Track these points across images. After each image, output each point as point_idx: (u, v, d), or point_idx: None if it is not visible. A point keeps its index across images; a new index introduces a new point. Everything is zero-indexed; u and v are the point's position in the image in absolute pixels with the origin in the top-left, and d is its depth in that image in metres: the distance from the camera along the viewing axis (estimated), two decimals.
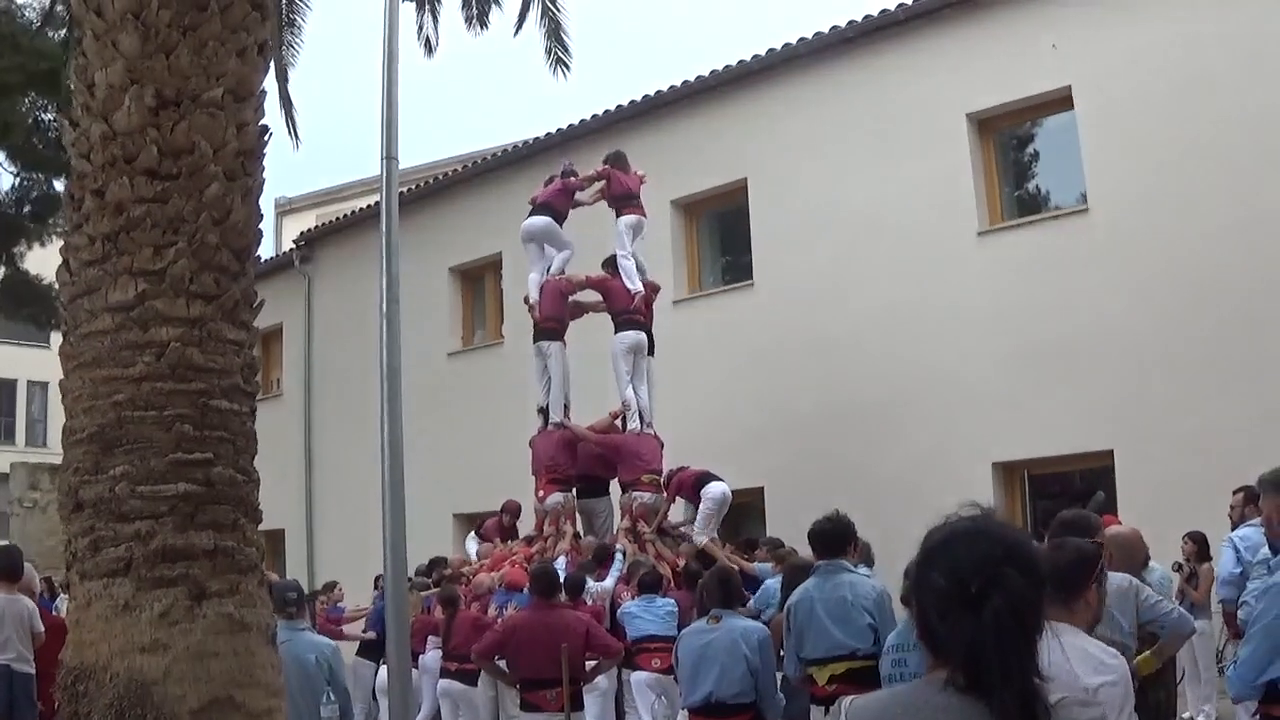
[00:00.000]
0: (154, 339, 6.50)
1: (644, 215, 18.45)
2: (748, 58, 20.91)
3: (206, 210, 6.68)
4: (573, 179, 18.86)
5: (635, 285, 17.81)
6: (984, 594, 2.60)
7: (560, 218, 18.52)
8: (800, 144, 20.18)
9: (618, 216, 18.29)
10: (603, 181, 18.65)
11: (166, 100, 6.67)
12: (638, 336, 17.77)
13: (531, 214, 18.61)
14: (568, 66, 15.13)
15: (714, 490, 16.48)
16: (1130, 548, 8.46)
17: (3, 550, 12.13)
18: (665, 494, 17.39)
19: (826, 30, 19.91)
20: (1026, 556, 2.69)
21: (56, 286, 20.06)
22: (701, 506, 16.39)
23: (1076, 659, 4.58)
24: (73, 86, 7.08)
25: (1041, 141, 19.14)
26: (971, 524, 2.78)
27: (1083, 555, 5.25)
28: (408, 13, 14.95)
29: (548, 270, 18.48)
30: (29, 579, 12.09)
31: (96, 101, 6.73)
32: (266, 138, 7.31)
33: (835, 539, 9.24)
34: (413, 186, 25.76)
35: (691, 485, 16.91)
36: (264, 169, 7.27)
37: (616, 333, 17.80)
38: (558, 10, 14.73)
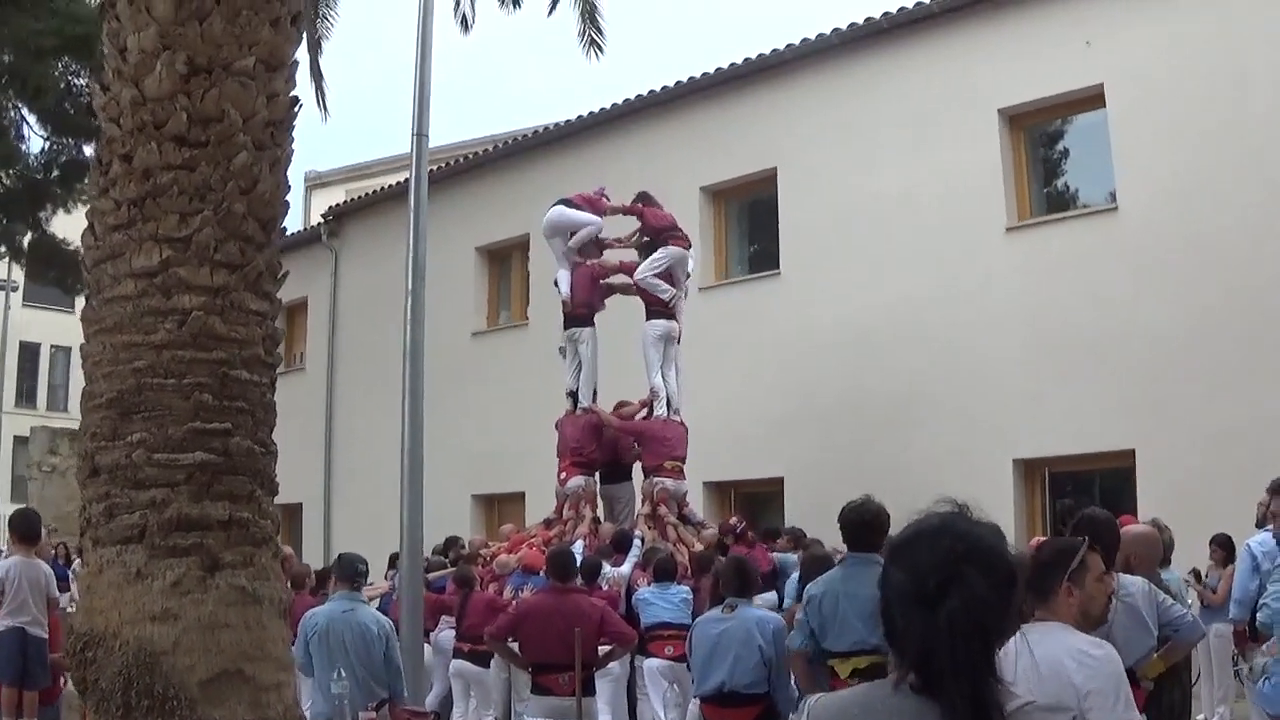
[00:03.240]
0: (176, 306, 6.50)
1: (688, 249, 18.24)
2: (781, 46, 20.80)
3: (234, 179, 6.67)
4: (605, 201, 18.75)
5: (666, 293, 17.70)
6: (941, 592, 2.53)
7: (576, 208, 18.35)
8: (831, 135, 20.09)
9: (656, 247, 18.04)
10: (635, 218, 18.49)
11: (198, 67, 6.66)
12: (669, 325, 17.70)
13: (551, 206, 18.52)
14: (601, 48, 15.04)
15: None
16: (1148, 545, 8.38)
17: (21, 514, 12.14)
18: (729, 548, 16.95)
19: (861, 21, 19.80)
20: (990, 556, 2.61)
21: (82, 253, 20.04)
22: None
23: (1058, 658, 4.56)
24: (105, 50, 7.05)
25: (1072, 139, 19.00)
26: (939, 521, 2.70)
27: (1055, 551, 5.25)
28: None
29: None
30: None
31: (128, 66, 6.71)
32: (296, 109, 7.28)
33: (869, 532, 8.97)
34: (442, 165, 25.70)
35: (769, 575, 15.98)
36: (293, 140, 7.25)
37: (648, 320, 17.72)
38: None
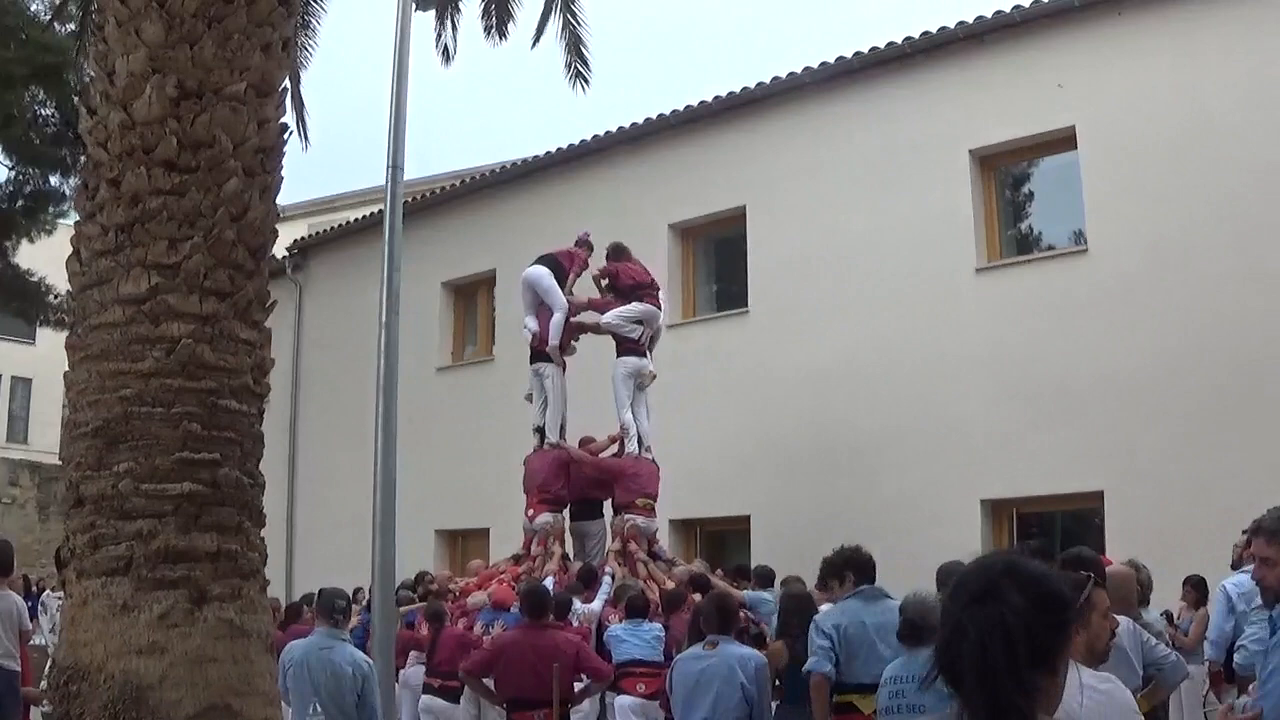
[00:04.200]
0: (165, 334, 6.39)
1: (659, 308, 18.15)
2: (752, 85, 20.83)
3: (224, 206, 6.57)
4: (584, 256, 18.67)
5: (634, 333, 17.65)
6: (977, 601, 2.59)
7: (560, 272, 18.23)
8: (801, 174, 20.09)
9: (630, 299, 17.92)
10: (605, 280, 18.35)
11: (188, 91, 6.57)
12: (640, 362, 17.62)
13: (533, 263, 18.37)
14: (587, 80, 14.96)
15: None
16: (1123, 586, 8.38)
17: None
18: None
19: (832, 61, 19.84)
20: (1031, 577, 2.65)
21: (46, 282, 19.83)
22: None
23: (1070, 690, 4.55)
24: (92, 73, 6.96)
25: (1043, 180, 19.04)
26: (996, 555, 2.79)
27: None
28: (424, 21, 14.91)
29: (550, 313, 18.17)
30: None
31: (116, 89, 6.61)
32: (286, 135, 7.19)
33: (872, 569, 9.13)
34: (410, 199, 25.58)
35: None
36: (282, 168, 7.15)
37: (619, 357, 17.65)
38: (579, 24, 14.61)
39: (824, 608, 9.96)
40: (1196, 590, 13.40)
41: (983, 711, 2.48)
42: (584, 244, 18.79)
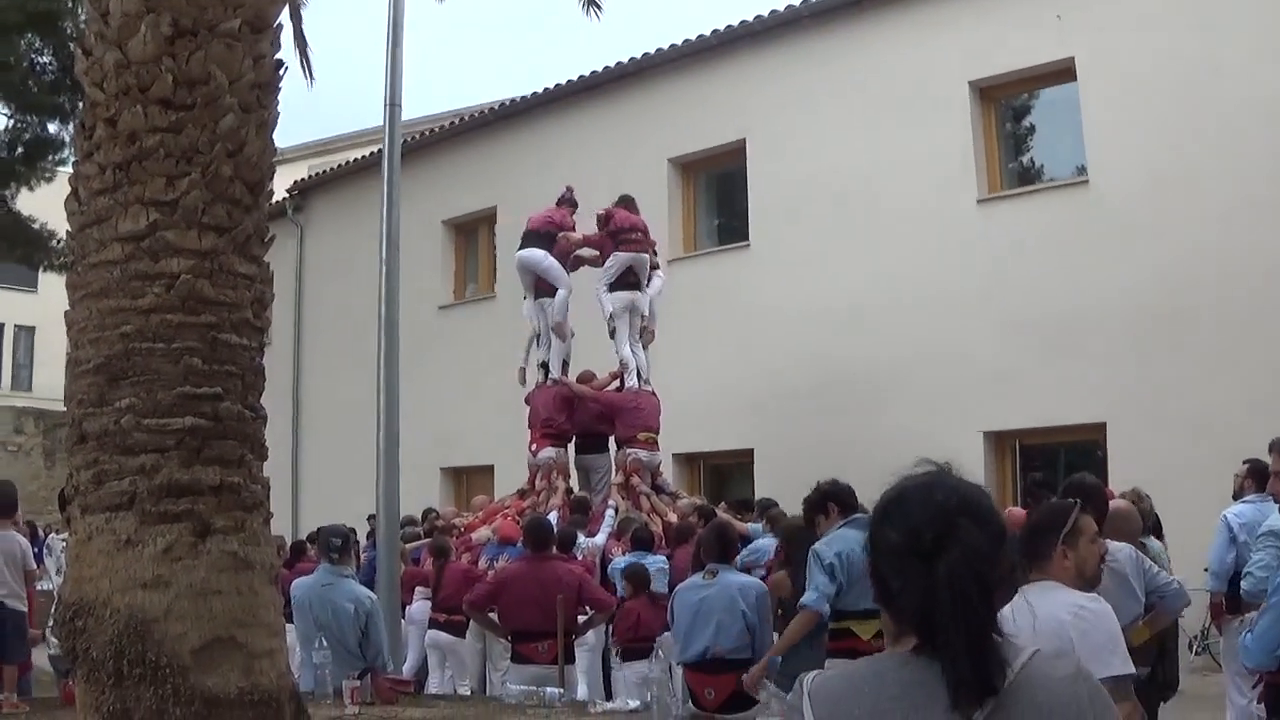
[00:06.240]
0: (164, 270, 6.39)
1: (641, 252, 18.03)
2: (751, 18, 20.76)
3: (221, 142, 6.56)
4: (569, 214, 18.65)
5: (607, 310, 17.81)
6: (939, 546, 2.49)
7: (551, 246, 18.19)
8: (801, 106, 20.05)
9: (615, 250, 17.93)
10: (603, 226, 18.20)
11: (183, 29, 6.54)
12: (634, 296, 17.66)
13: (523, 244, 18.35)
14: (599, 7, 14.69)
15: None
16: (1128, 521, 8.45)
17: None
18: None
19: None
20: (982, 508, 2.58)
21: (47, 229, 19.80)
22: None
23: (1055, 614, 4.67)
24: (87, 15, 6.95)
25: (1043, 112, 19.01)
26: (926, 477, 2.66)
27: (1049, 514, 5.33)
28: None
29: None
30: None
31: (111, 29, 6.60)
32: (282, 71, 7.19)
33: (854, 497, 9.18)
34: (409, 138, 25.56)
35: None
36: (279, 103, 7.16)
37: (612, 292, 17.65)
38: None
39: None
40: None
41: (964, 654, 2.41)
42: (568, 201, 18.74)
